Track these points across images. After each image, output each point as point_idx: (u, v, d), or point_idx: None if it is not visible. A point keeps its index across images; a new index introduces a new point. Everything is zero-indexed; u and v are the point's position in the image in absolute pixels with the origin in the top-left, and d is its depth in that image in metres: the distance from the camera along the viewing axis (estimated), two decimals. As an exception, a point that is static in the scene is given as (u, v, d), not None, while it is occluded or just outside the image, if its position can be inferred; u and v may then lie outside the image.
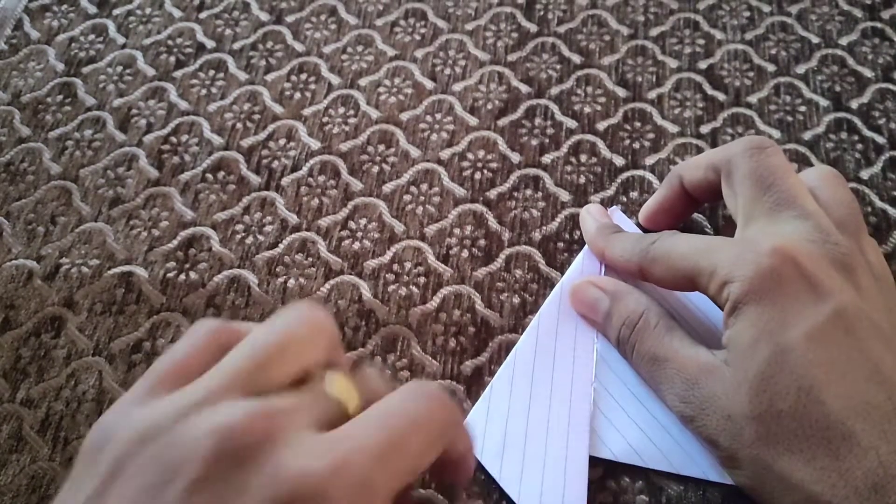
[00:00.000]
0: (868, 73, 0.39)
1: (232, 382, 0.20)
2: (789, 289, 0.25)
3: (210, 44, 0.42)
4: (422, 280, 0.34)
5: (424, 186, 0.36)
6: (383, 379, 0.23)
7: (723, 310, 0.26)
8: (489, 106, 0.39)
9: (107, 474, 0.19)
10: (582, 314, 0.31)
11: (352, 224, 0.36)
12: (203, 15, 0.43)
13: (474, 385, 0.31)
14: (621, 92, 0.39)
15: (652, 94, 0.39)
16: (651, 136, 0.37)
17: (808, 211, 0.27)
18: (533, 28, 0.41)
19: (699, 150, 0.37)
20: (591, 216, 0.33)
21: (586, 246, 0.33)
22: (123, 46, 0.42)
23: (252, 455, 0.18)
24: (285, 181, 0.37)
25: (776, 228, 0.26)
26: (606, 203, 0.35)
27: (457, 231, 0.35)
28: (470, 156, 0.37)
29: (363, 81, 0.40)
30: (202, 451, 0.18)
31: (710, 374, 0.26)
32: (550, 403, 0.30)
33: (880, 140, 0.36)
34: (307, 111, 0.39)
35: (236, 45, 0.42)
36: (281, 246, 0.35)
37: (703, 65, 0.39)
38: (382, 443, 0.19)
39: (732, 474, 0.26)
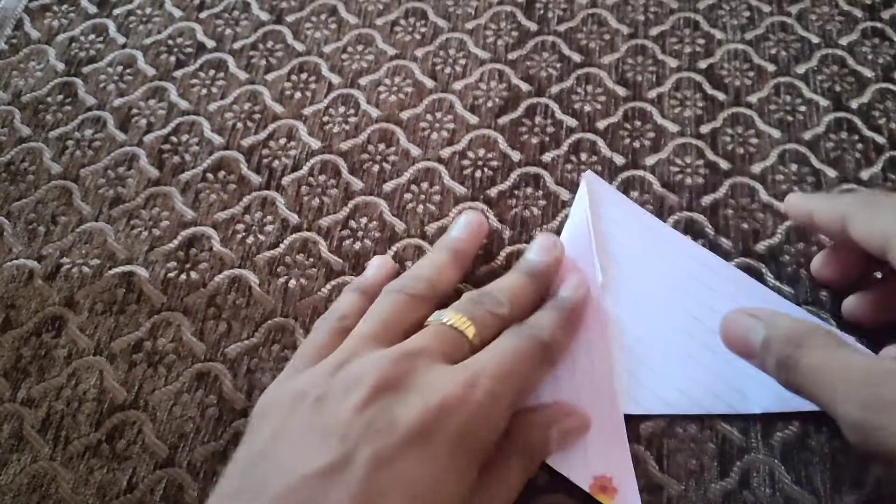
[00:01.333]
0: (868, 73, 0.39)
1: (367, 341, 0.27)
2: None
3: (210, 43, 0.42)
4: (422, 279, 0.34)
5: (425, 185, 0.36)
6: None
7: None
8: (489, 104, 0.39)
9: (279, 422, 0.25)
10: (734, 348, 0.28)
11: (352, 223, 0.36)
12: (203, 15, 0.43)
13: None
14: (621, 91, 0.39)
15: (652, 94, 0.39)
16: (651, 135, 0.37)
17: None
18: (533, 27, 0.41)
19: (699, 150, 0.37)
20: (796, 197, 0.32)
21: (575, 212, 0.34)
22: (124, 46, 0.42)
23: (404, 383, 0.25)
24: (286, 181, 0.37)
25: None
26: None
27: (457, 230, 0.35)
28: (470, 154, 0.37)
29: (363, 80, 0.40)
30: (365, 383, 0.24)
31: None
32: (574, 371, 0.30)
33: (880, 140, 0.37)
34: (307, 110, 0.39)
35: (236, 45, 0.42)
36: (282, 246, 0.35)
37: (703, 64, 0.40)
38: (500, 369, 0.26)
39: None
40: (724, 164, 0.36)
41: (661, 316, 0.32)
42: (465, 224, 0.33)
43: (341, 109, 0.39)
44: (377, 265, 0.33)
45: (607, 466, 0.28)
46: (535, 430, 0.28)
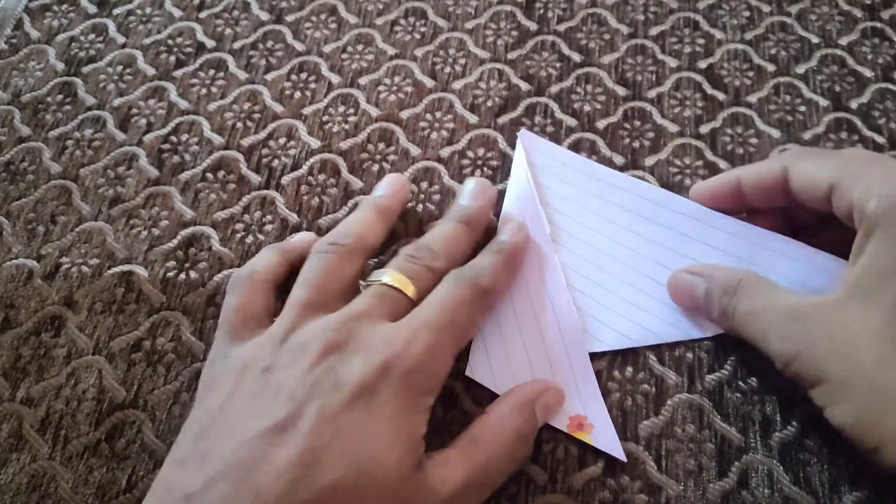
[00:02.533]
0: (868, 73, 0.39)
1: (306, 309, 0.28)
2: None
3: (210, 43, 0.42)
4: (422, 279, 0.34)
5: (424, 185, 0.36)
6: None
7: (855, 228, 0.26)
8: (489, 103, 0.39)
9: (227, 393, 0.26)
10: (683, 305, 0.31)
11: (352, 223, 0.36)
12: (203, 14, 0.43)
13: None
14: (621, 91, 0.39)
15: (652, 93, 0.39)
16: (651, 135, 0.37)
17: None
18: (533, 26, 0.41)
19: (698, 151, 0.37)
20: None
21: (517, 169, 0.35)
22: (123, 46, 0.42)
23: (347, 346, 0.26)
24: (285, 180, 0.37)
25: None
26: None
27: (457, 230, 0.35)
28: (470, 154, 0.37)
29: (363, 80, 0.40)
30: (311, 350, 0.26)
31: (820, 305, 0.26)
32: (538, 321, 0.31)
33: (880, 140, 0.36)
34: (307, 110, 0.39)
35: (236, 45, 0.42)
36: (281, 245, 0.35)
37: (702, 64, 0.39)
38: (440, 319, 0.27)
39: (833, 410, 0.25)
40: (723, 165, 0.36)
41: (611, 256, 0.33)
42: (389, 184, 0.34)
43: (341, 109, 0.39)
44: (301, 237, 0.34)
45: (580, 406, 0.30)
46: (522, 411, 0.28)
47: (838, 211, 0.27)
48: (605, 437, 0.29)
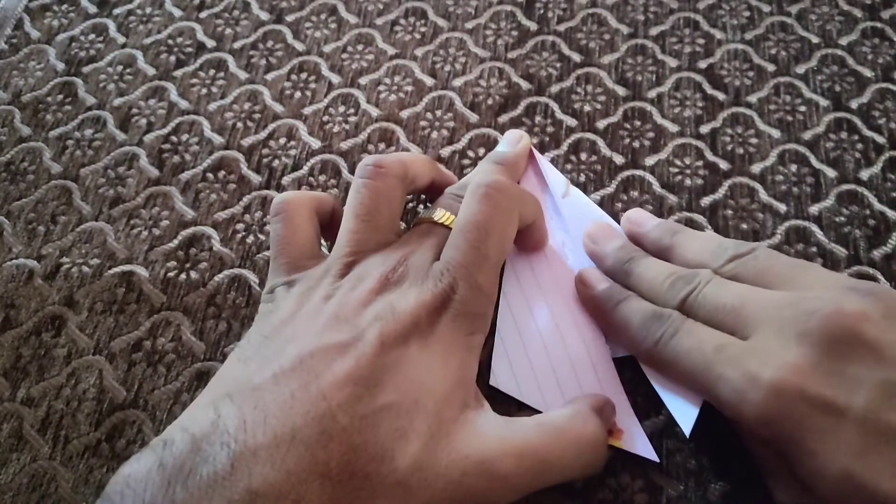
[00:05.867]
0: (868, 72, 0.39)
1: (359, 244, 0.29)
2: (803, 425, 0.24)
3: (210, 43, 0.42)
4: (422, 279, 0.34)
5: (425, 185, 0.36)
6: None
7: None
8: (489, 101, 0.39)
9: (289, 312, 0.27)
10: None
11: (352, 223, 0.36)
12: (203, 14, 0.43)
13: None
14: (621, 91, 0.39)
15: (652, 93, 0.39)
16: (651, 135, 0.37)
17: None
18: (533, 26, 0.41)
19: (699, 151, 0.37)
20: (588, 279, 0.32)
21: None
22: (124, 46, 0.42)
23: (403, 282, 0.27)
24: (286, 180, 0.37)
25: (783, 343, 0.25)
26: (609, 205, 0.35)
27: (457, 230, 0.35)
28: (470, 153, 0.37)
29: (363, 80, 0.40)
30: (368, 283, 0.27)
31: None
32: (559, 326, 0.31)
33: (880, 140, 0.37)
34: (307, 110, 0.39)
35: (236, 45, 0.42)
36: (281, 245, 0.35)
37: (702, 64, 0.40)
38: (471, 255, 0.28)
39: None
40: (723, 165, 0.36)
41: None
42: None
43: (341, 109, 0.39)
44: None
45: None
46: (596, 415, 0.28)
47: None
48: (636, 440, 0.29)
